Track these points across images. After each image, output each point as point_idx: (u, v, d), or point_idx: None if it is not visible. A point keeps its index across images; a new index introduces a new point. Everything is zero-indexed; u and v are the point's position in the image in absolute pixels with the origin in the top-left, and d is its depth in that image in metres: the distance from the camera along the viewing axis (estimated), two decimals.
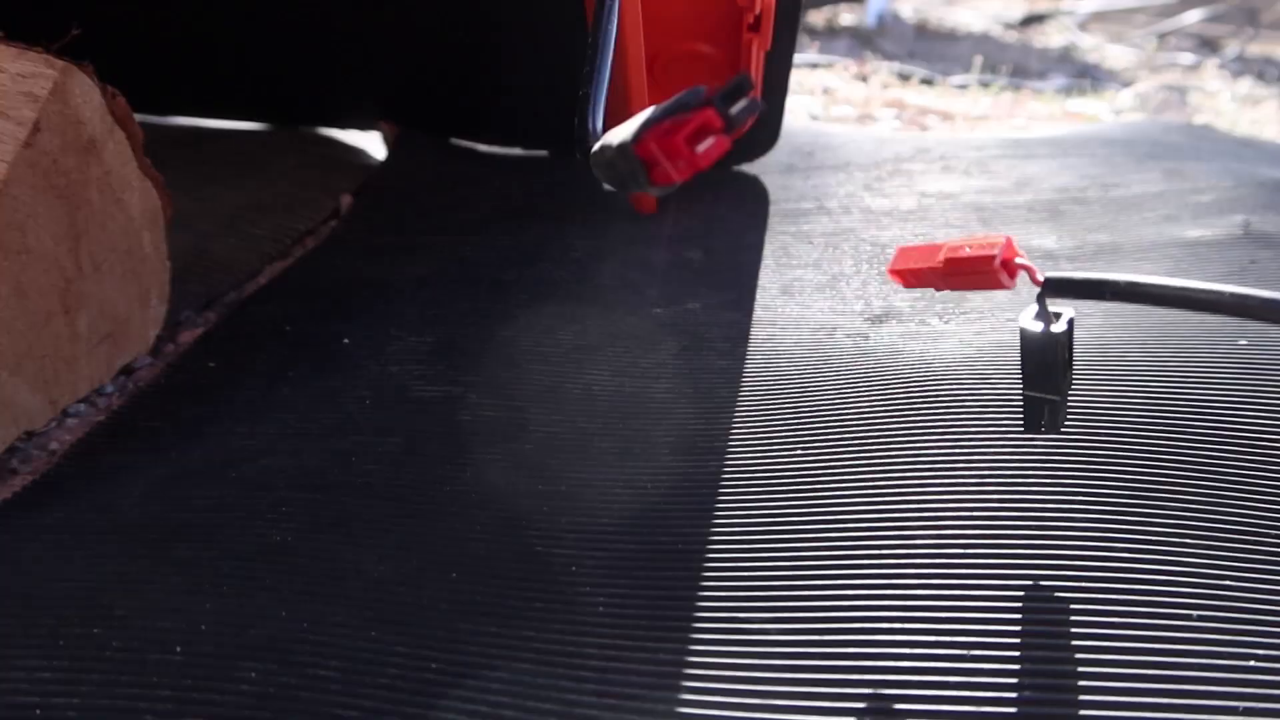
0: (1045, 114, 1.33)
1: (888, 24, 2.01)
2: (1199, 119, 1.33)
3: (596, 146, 0.33)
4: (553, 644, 0.36)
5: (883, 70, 1.60)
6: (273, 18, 0.82)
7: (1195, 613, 0.35)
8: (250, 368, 0.57)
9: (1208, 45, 1.91)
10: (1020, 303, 0.59)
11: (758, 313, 0.60)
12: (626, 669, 0.35)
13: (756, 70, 0.73)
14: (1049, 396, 0.36)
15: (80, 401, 0.54)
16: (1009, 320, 0.57)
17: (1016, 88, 1.51)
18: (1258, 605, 0.36)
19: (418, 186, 0.84)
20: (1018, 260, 0.34)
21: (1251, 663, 0.33)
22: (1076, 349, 0.53)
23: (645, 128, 0.31)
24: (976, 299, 0.60)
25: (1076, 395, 0.49)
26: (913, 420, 0.47)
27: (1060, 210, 0.74)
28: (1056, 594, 0.36)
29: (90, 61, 0.48)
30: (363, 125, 0.98)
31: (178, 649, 0.36)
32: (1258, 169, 0.81)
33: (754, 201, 0.80)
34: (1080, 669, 0.33)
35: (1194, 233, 0.68)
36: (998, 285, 0.34)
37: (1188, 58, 1.78)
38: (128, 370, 0.57)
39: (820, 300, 0.61)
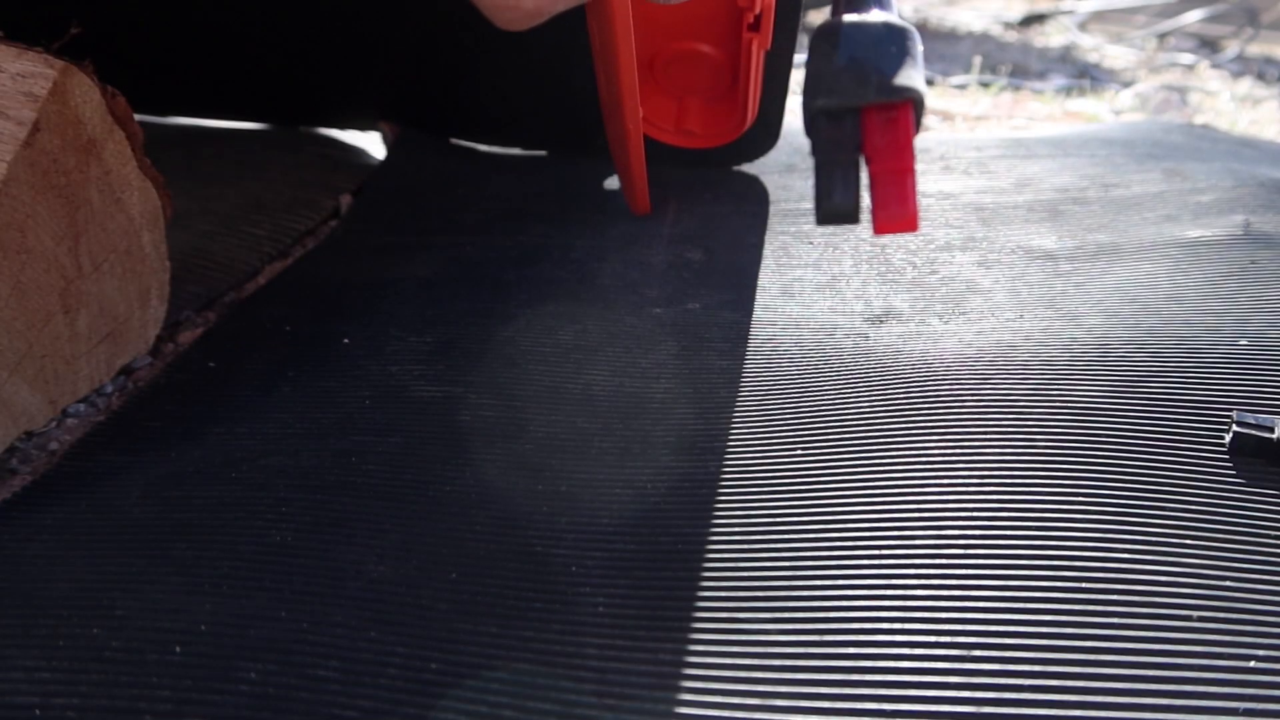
0: (1045, 114, 1.33)
1: None
2: (1199, 119, 1.33)
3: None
4: (553, 644, 0.36)
5: None
6: (273, 17, 0.82)
7: (1195, 613, 0.35)
8: (250, 368, 0.57)
9: (1208, 45, 1.91)
10: (1020, 303, 0.59)
11: (758, 313, 0.60)
12: (626, 669, 0.35)
13: (756, 70, 0.73)
14: (832, 104, 0.31)
15: (80, 401, 0.54)
16: (1009, 320, 0.57)
17: (1016, 88, 1.50)
18: (1257, 606, 0.36)
19: (418, 186, 0.84)
20: None
21: (1251, 663, 0.33)
22: (1076, 348, 0.53)
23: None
24: (976, 300, 0.60)
25: (1077, 394, 0.48)
26: (913, 421, 0.47)
27: (1060, 210, 0.74)
28: (1056, 594, 0.36)
29: (90, 61, 0.48)
30: (363, 125, 0.98)
31: (177, 649, 0.36)
32: (1258, 169, 0.81)
33: (754, 201, 0.80)
34: (1080, 669, 0.33)
35: (1194, 233, 0.68)
36: None
37: (1188, 58, 1.78)
38: (127, 370, 0.57)
39: (820, 300, 0.61)
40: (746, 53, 0.72)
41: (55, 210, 0.48)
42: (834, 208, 0.31)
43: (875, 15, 0.31)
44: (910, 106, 0.31)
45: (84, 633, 0.37)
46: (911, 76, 0.30)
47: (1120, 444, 0.45)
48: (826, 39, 0.32)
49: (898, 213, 0.30)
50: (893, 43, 0.31)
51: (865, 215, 0.32)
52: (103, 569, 0.40)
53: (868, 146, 0.31)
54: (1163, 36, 1.95)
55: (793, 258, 0.68)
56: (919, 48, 0.32)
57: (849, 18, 0.32)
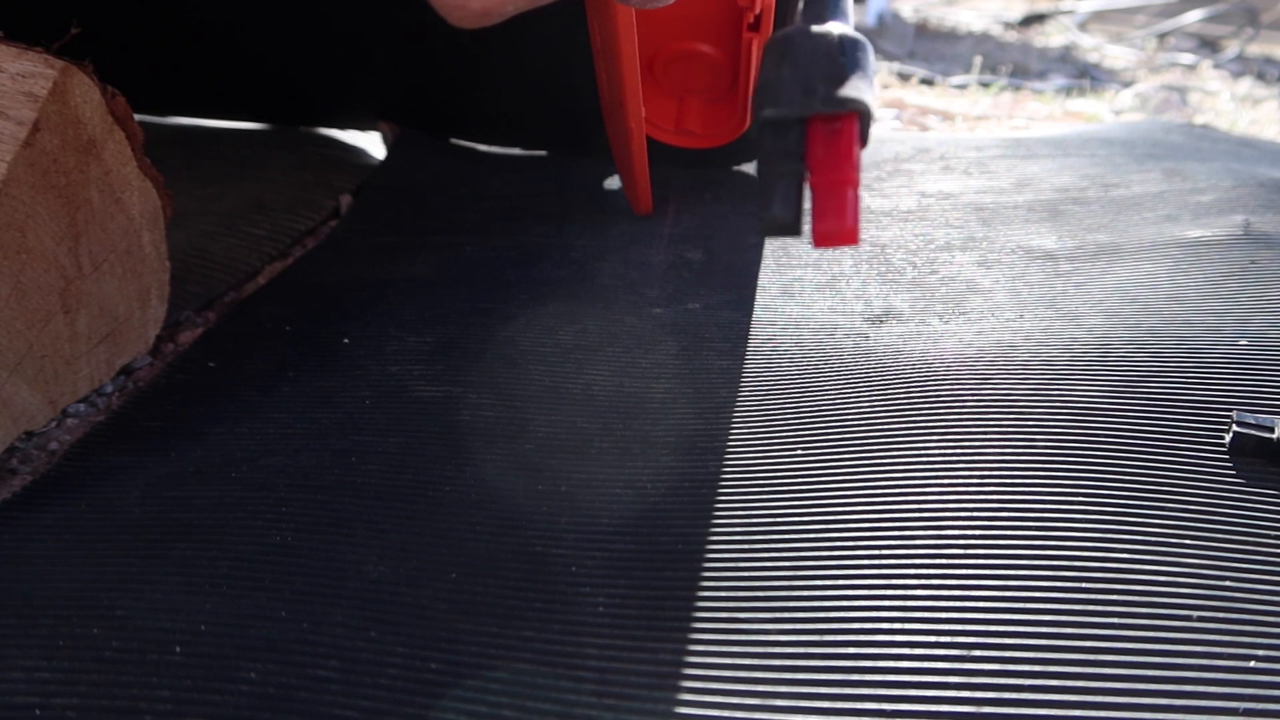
0: (1045, 114, 1.33)
1: (888, 23, 2.01)
2: (1199, 119, 1.33)
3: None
4: (552, 644, 0.36)
5: (883, 70, 1.60)
6: (273, 18, 0.82)
7: (1195, 613, 0.35)
8: (250, 368, 0.57)
9: (1208, 45, 1.92)
10: (1020, 303, 0.59)
11: (758, 313, 0.60)
12: (626, 669, 0.35)
13: (756, 70, 0.73)
14: (776, 114, 0.30)
15: (80, 401, 0.54)
16: (1009, 320, 0.57)
17: (1016, 88, 1.50)
18: (1257, 606, 0.36)
19: (418, 186, 0.84)
20: None
21: (1251, 663, 0.33)
22: (1076, 348, 0.53)
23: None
24: (976, 300, 0.60)
25: (1077, 394, 0.48)
26: (913, 421, 0.47)
27: (1060, 210, 0.74)
28: (1056, 594, 0.36)
29: (90, 61, 0.48)
30: (363, 125, 0.98)
31: (177, 649, 0.36)
32: (1258, 169, 0.81)
33: (754, 201, 0.80)
34: (1080, 669, 0.33)
35: (1194, 233, 0.68)
36: None
37: (1188, 58, 1.78)
38: (127, 370, 0.57)
39: (820, 300, 0.61)
40: (746, 53, 0.72)
41: (55, 210, 0.48)
42: (773, 219, 0.31)
43: (830, 26, 0.31)
44: (855, 118, 0.30)
45: (84, 633, 0.37)
46: (859, 88, 0.30)
47: (1120, 444, 0.45)
48: (777, 48, 0.32)
49: (835, 226, 0.30)
50: (843, 54, 0.31)
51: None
52: (103, 569, 0.40)
53: (810, 158, 0.30)
54: (1163, 36, 1.95)
55: (793, 258, 0.68)
56: (871, 60, 0.31)
57: (802, 28, 0.32)
